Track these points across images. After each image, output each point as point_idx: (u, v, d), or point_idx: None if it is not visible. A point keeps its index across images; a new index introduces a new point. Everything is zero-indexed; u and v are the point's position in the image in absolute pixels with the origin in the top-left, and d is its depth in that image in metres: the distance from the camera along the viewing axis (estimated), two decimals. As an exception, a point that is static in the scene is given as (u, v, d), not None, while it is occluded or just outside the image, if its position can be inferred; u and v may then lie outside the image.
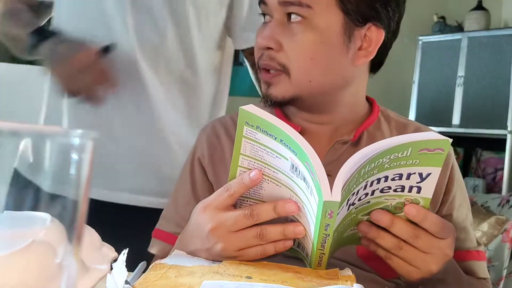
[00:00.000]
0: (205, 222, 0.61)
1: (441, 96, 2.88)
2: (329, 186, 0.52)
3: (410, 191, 0.57)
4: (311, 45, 0.69)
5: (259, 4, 0.74)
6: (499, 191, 2.67)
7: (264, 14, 0.75)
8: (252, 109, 0.55)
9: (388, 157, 0.54)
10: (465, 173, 2.95)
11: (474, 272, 0.74)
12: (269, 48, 0.70)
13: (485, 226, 1.80)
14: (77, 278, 0.26)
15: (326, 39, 0.69)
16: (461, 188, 0.78)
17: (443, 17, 3.01)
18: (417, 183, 0.57)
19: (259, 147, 0.57)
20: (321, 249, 0.57)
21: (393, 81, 3.14)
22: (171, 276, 0.53)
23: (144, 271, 0.57)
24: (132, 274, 0.55)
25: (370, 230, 0.59)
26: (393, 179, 0.57)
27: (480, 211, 1.97)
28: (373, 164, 0.54)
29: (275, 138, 0.55)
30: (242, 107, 0.56)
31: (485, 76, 2.71)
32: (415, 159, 0.55)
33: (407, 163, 0.55)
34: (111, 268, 0.47)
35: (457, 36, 2.84)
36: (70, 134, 0.25)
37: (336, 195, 0.52)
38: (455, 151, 2.98)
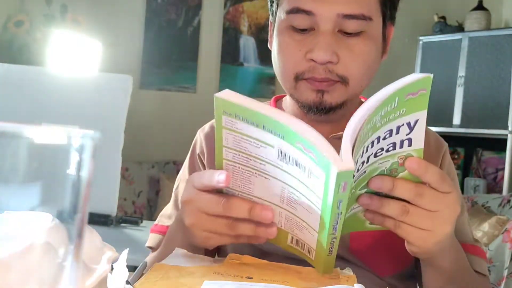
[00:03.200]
0: (183, 193, 0.61)
1: (441, 96, 2.88)
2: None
3: (401, 146, 0.55)
4: (370, 54, 0.70)
5: (289, 12, 0.69)
6: (500, 191, 2.67)
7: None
8: (228, 96, 0.52)
9: (379, 113, 0.52)
10: (466, 173, 2.95)
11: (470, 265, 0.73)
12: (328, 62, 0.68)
13: (485, 226, 1.79)
14: (78, 279, 0.26)
15: (378, 45, 0.72)
16: (454, 180, 0.77)
17: (443, 17, 3.01)
18: (406, 135, 0.54)
19: (241, 137, 0.53)
20: (332, 233, 0.53)
21: (393, 81, 3.13)
22: (171, 276, 0.53)
23: (144, 271, 0.57)
24: (133, 274, 0.55)
25: (372, 201, 0.56)
26: (384, 138, 0.54)
27: (481, 211, 1.97)
28: (368, 125, 0.52)
29: (257, 125, 0.51)
30: (216, 94, 0.52)
31: (485, 76, 2.71)
32: (402, 108, 0.53)
33: (395, 115, 0.53)
34: (112, 268, 0.47)
35: (457, 36, 2.84)
36: (71, 134, 0.25)
37: (348, 162, 0.47)
38: (455, 151, 2.98)
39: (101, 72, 2.16)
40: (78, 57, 2.14)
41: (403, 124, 0.54)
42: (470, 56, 2.76)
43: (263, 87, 3.26)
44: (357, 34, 0.68)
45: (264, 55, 3.26)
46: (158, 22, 3.25)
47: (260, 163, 0.54)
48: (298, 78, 0.70)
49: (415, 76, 0.53)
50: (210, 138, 0.81)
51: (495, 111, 2.66)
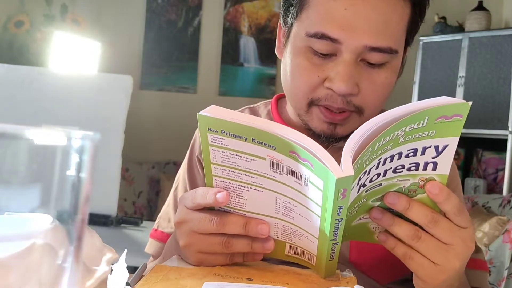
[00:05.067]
0: (175, 215, 0.60)
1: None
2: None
3: (425, 168, 0.52)
4: (390, 86, 0.68)
5: (312, 36, 0.64)
6: (500, 192, 2.67)
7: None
8: (212, 112, 0.49)
9: (403, 129, 0.49)
10: (466, 173, 2.95)
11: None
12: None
13: (486, 227, 1.79)
14: (78, 280, 0.26)
15: (397, 74, 0.70)
16: (457, 187, 0.76)
17: (444, 18, 3.01)
18: (432, 158, 0.52)
19: (229, 153, 0.51)
20: (333, 239, 0.52)
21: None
22: (172, 278, 0.53)
23: (143, 273, 0.57)
24: (133, 275, 0.55)
25: (384, 216, 0.54)
26: (407, 156, 0.52)
27: (481, 212, 1.97)
28: (387, 138, 0.49)
29: (246, 139, 0.49)
30: (200, 112, 0.50)
31: (486, 76, 2.71)
32: (431, 130, 0.50)
33: (423, 135, 0.50)
34: (112, 270, 0.47)
35: (458, 36, 2.84)
36: (71, 135, 0.24)
37: (348, 170, 0.46)
38: (455, 151, 2.98)
39: (101, 72, 2.16)
40: (78, 57, 2.14)
41: (430, 146, 0.51)
42: (470, 56, 2.76)
43: (264, 87, 3.26)
44: (379, 66, 0.66)
45: (265, 56, 3.26)
46: (158, 22, 3.25)
47: (252, 177, 0.53)
48: (312, 103, 0.68)
49: (450, 99, 0.50)
50: None
51: (495, 111, 2.66)
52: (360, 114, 0.67)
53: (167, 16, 3.26)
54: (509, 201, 1.98)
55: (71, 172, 0.25)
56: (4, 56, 2.30)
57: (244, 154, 0.51)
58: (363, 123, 0.69)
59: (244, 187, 0.54)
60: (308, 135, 0.71)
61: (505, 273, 1.68)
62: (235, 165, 0.52)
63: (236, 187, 0.55)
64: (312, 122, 0.69)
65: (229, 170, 0.53)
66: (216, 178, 0.55)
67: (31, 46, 2.35)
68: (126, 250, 0.48)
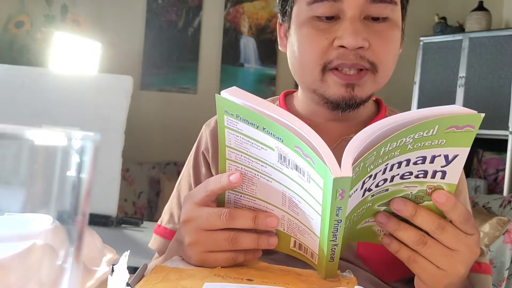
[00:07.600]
0: (182, 213, 0.60)
1: (442, 97, 2.88)
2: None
3: (433, 176, 0.52)
4: (396, 41, 0.70)
5: (313, 2, 0.67)
6: (501, 192, 2.67)
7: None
8: (230, 95, 0.50)
9: (412, 136, 0.48)
10: (467, 173, 2.94)
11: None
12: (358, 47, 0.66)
13: (486, 227, 1.79)
14: (78, 281, 0.26)
15: (400, 33, 0.71)
16: (463, 190, 0.76)
17: (444, 18, 3.01)
18: (442, 167, 0.51)
19: (242, 138, 0.52)
20: (333, 240, 0.51)
21: (394, 81, 3.12)
22: (172, 278, 0.53)
23: (144, 273, 0.57)
24: (133, 276, 0.55)
25: (390, 221, 0.54)
26: (415, 163, 0.51)
27: (482, 212, 1.96)
28: (395, 143, 0.49)
29: (257, 127, 0.50)
30: (222, 92, 0.51)
31: (486, 77, 2.71)
32: (441, 139, 0.49)
33: (432, 143, 0.50)
34: (113, 270, 0.47)
35: (458, 36, 2.84)
36: (71, 136, 0.24)
37: (346, 171, 0.46)
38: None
39: (102, 73, 2.16)
40: (79, 57, 2.14)
41: (439, 155, 0.51)
42: (471, 56, 2.77)
43: (264, 87, 3.26)
44: (383, 20, 0.68)
45: (265, 56, 3.26)
46: (158, 23, 3.25)
47: (262, 165, 0.53)
48: (326, 68, 0.68)
49: (460, 109, 0.49)
50: (216, 134, 0.80)
51: (495, 112, 2.65)
52: (375, 72, 0.68)
53: (167, 16, 3.26)
54: (509, 202, 1.98)
55: (72, 172, 0.25)
56: (4, 56, 2.30)
57: (255, 141, 0.52)
58: (377, 83, 0.69)
59: (255, 174, 0.55)
60: (327, 110, 0.71)
61: (506, 273, 1.68)
62: (248, 151, 0.53)
63: (247, 173, 0.55)
64: (329, 90, 0.69)
65: (242, 155, 0.54)
66: (230, 162, 0.55)
67: (31, 46, 2.35)
68: (128, 251, 0.48)
